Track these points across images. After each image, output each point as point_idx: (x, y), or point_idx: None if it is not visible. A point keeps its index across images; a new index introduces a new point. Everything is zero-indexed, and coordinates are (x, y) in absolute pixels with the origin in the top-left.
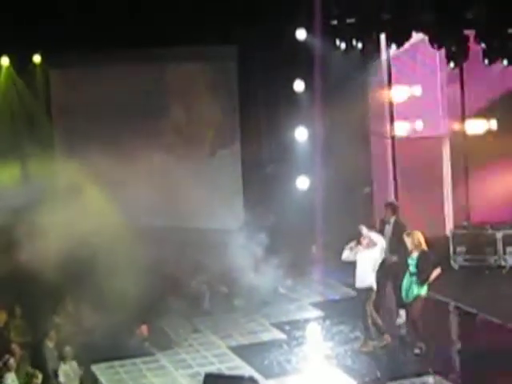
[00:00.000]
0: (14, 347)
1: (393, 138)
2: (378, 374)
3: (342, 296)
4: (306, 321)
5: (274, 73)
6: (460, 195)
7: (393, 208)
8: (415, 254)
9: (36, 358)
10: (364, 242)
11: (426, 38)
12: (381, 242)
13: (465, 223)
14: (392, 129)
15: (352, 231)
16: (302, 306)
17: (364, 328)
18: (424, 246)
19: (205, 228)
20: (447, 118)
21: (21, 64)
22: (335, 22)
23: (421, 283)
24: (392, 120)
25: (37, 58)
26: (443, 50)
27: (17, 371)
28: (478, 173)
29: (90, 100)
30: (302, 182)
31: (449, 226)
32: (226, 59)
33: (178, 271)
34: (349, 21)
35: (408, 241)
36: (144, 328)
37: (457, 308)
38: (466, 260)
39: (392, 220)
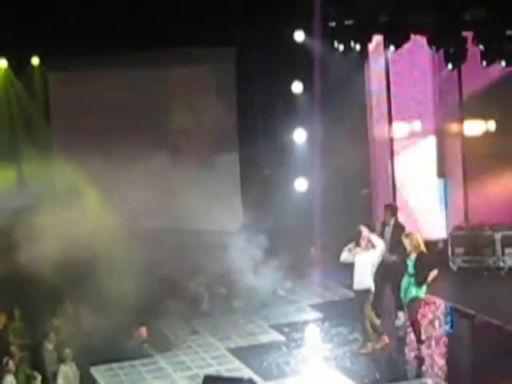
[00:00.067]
0: (13, 349)
1: (391, 139)
2: (377, 376)
3: (341, 298)
4: (305, 323)
5: (272, 74)
6: (458, 196)
7: (392, 210)
8: (413, 256)
9: (35, 360)
10: (362, 243)
11: (424, 39)
12: (381, 245)
13: (463, 224)
14: (390, 130)
15: (350, 233)
16: (301, 307)
17: (362, 330)
18: (422, 248)
19: (203, 230)
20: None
21: (19, 66)
22: (333, 24)
23: (418, 284)
24: (390, 121)
25: (35, 60)
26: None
27: (16, 373)
28: (476, 174)
29: (88, 102)
30: (301, 184)
31: (447, 227)
32: (224, 61)
33: (176, 273)
34: (347, 22)
35: (406, 242)
36: (143, 330)
37: (455, 309)
38: (464, 261)
39: (392, 222)
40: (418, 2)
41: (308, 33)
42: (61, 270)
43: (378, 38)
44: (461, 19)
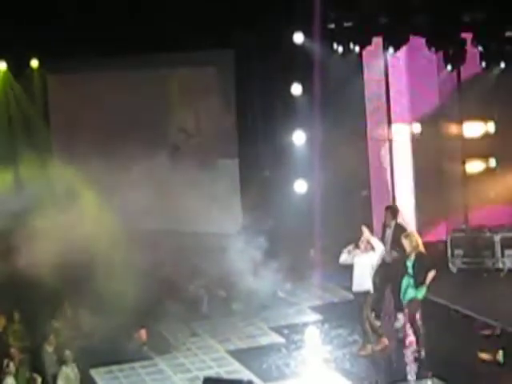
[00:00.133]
0: (13, 351)
1: (390, 140)
2: (377, 378)
3: (341, 299)
4: (305, 324)
5: (271, 76)
6: (458, 198)
7: (393, 211)
8: (413, 256)
9: (35, 363)
10: (362, 245)
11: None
12: (380, 247)
13: (463, 226)
14: (389, 131)
15: (350, 234)
16: (301, 309)
17: (362, 331)
18: (421, 248)
19: (203, 232)
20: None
21: (18, 68)
22: (332, 26)
23: (417, 285)
24: (389, 123)
25: (34, 63)
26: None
27: (16, 375)
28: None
29: (87, 104)
30: (300, 186)
31: (447, 228)
32: (223, 63)
33: (175, 275)
34: (346, 24)
35: (406, 243)
36: (142, 332)
37: (455, 311)
38: (464, 263)
39: (393, 223)
40: (417, 4)
41: (307, 35)
42: (60, 273)
43: (377, 40)
44: (459, 20)
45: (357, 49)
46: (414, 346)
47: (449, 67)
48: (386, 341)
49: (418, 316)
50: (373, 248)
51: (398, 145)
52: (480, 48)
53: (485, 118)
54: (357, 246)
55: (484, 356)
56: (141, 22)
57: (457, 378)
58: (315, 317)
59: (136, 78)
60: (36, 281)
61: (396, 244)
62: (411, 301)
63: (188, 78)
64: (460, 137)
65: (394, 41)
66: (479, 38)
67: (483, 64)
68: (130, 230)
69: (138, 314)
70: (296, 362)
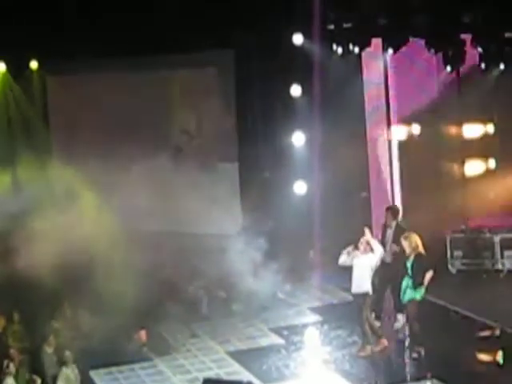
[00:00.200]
0: (13, 352)
1: (390, 141)
2: (376, 379)
3: (340, 301)
4: (305, 326)
5: (270, 77)
6: (457, 199)
7: (393, 212)
8: (412, 257)
9: (34, 364)
10: (361, 247)
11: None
12: (380, 250)
13: (462, 227)
14: (389, 132)
15: (350, 236)
16: (301, 310)
17: (362, 332)
18: (421, 249)
19: (203, 233)
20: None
21: (17, 70)
22: (332, 27)
23: (416, 286)
24: (389, 124)
25: (33, 64)
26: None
27: (16, 377)
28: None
29: (87, 106)
30: (300, 187)
31: (447, 229)
32: (223, 64)
33: (175, 276)
34: (345, 25)
35: (405, 244)
36: (142, 333)
37: (454, 312)
38: (463, 264)
39: (393, 224)
40: (417, 5)
41: (307, 36)
42: (60, 274)
43: (376, 41)
44: (459, 22)
45: (356, 50)
46: (414, 347)
47: (448, 68)
48: (385, 342)
49: (415, 317)
50: (372, 250)
51: (397, 145)
52: (479, 49)
53: (484, 119)
54: (356, 248)
55: (483, 357)
56: (141, 23)
57: (456, 379)
58: (315, 318)
59: (136, 79)
60: (35, 282)
61: (396, 245)
62: (410, 301)
63: (188, 79)
64: (459, 137)
65: (394, 42)
66: (479, 39)
67: (482, 65)
68: (130, 230)
69: (137, 315)
70: (296, 363)
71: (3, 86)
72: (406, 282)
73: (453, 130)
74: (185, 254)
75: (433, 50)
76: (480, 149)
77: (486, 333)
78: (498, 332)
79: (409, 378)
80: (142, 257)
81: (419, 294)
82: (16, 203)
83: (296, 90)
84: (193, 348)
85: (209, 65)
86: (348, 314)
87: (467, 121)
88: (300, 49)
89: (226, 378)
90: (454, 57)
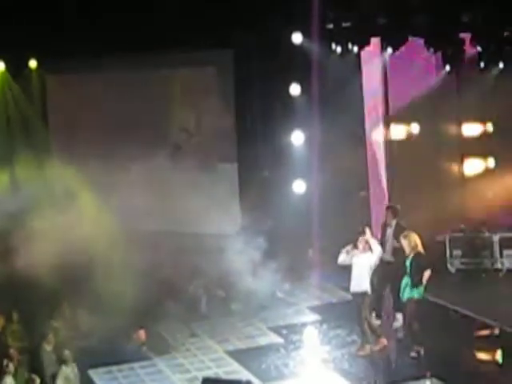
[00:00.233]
0: (12, 352)
1: (389, 140)
2: (376, 378)
3: (339, 300)
4: (304, 325)
5: (270, 77)
6: (456, 198)
7: (393, 211)
8: (411, 256)
9: (34, 363)
10: (360, 245)
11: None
12: (378, 250)
13: (461, 226)
14: (388, 131)
15: (349, 235)
16: (300, 309)
17: (361, 332)
18: (420, 248)
19: (202, 233)
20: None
21: (16, 69)
22: (331, 26)
23: (414, 285)
24: (388, 123)
25: (33, 63)
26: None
27: (15, 376)
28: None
29: (86, 105)
30: (299, 186)
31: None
32: (222, 63)
33: (175, 276)
34: (344, 25)
35: (405, 243)
36: (141, 333)
37: (454, 311)
38: (462, 263)
39: (393, 223)
40: (416, 4)
41: (306, 35)
42: (59, 273)
43: (375, 40)
44: (458, 21)
45: (355, 49)
46: (412, 346)
47: (447, 67)
48: (384, 341)
49: (414, 316)
50: (371, 249)
51: (396, 144)
52: (478, 48)
53: (483, 118)
54: (355, 247)
55: (483, 356)
56: (140, 23)
57: (455, 378)
58: (314, 317)
59: (135, 78)
60: (35, 281)
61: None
62: (409, 300)
63: (188, 78)
64: (458, 136)
65: (393, 41)
66: (478, 38)
67: (482, 64)
68: (129, 230)
69: (136, 315)
70: (294, 362)
71: (2, 85)
72: (406, 281)
73: (452, 128)
74: (184, 253)
75: (432, 49)
76: (479, 148)
77: (485, 332)
78: (497, 331)
79: (408, 377)
80: (141, 256)
81: (418, 293)
82: (15, 203)
83: (295, 89)
84: (192, 347)
85: (208, 64)
86: (347, 313)
87: (466, 120)
88: (299, 48)
89: (225, 377)
90: (453, 56)
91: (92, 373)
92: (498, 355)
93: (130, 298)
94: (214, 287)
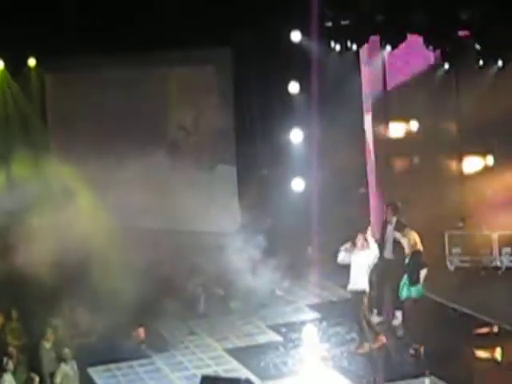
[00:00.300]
0: (12, 350)
1: (388, 138)
2: (375, 376)
3: (339, 298)
4: (303, 323)
5: (269, 75)
6: (455, 195)
7: (394, 208)
8: (410, 254)
9: (33, 362)
10: (359, 243)
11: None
12: (375, 250)
13: (460, 224)
14: (387, 129)
15: (348, 232)
16: (299, 307)
17: (359, 330)
18: (419, 247)
19: (201, 231)
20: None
21: (15, 67)
22: (330, 24)
23: (412, 284)
24: (387, 120)
25: (32, 62)
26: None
27: (14, 373)
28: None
29: (85, 104)
30: (298, 184)
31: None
32: (221, 61)
33: (173, 274)
34: (343, 22)
35: (404, 241)
36: (140, 331)
37: (453, 309)
38: (461, 261)
39: (394, 220)
40: (415, 2)
41: (305, 33)
42: (58, 271)
43: (374, 38)
44: (457, 18)
45: (354, 47)
46: (411, 344)
47: (446, 65)
48: (383, 339)
49: (412, 314)
50: (369, 246)
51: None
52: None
53: (482, 116)
54: (354, 244)
55: (481, 354)
56: (140, 21)
57: (454, 376)
58: (313, 315)
59: (134, 76)
60: (33, 279)
61: (397, 241)
62: (407, 299)
63: (186, 77)
64: (457, 134)
65: (392, 39)
66: (477, 36)
67: (481, 62)
68: (128, 228)
69: (135, 313)
70: (294, 360)
71: (1, 84)
72: (405, 279)
73: (451, 126)
74: (183, 251)
75: (431, 47)
76: (478, 145)
77: (484, 330)
78: (496, 329)
79: (407, 374)
80: (139, 254)
81: (416, 292)
82: (13, 200)
83: (294, 87)
84: (191, 345)
85: (207, 62)
86: (346, 311)
87: (465, 117)
88: (298, 46)
89: (224, 375)
90: (452, 54)
91: (91, 371)
92: (497, 353)
93: (129, 296)
94: (213, 285)
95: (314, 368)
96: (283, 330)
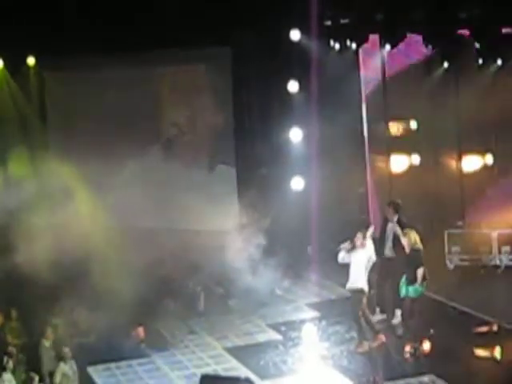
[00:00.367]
0: (11, 349)
1: (387, 136)
2: (374, 375)
3: (338, 297)
4: (302, 321)
5: (268, 74)
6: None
7: (395, 207)
8: (409, 253)
9: (32, 360)
10: (358, 242)
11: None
12: (370, 250)
13: (459, 223)
14: (386, 128)
15: (347, 231)
16: (298, 306)
17: (358, 329)
18: (418, 246)
19: (201, 230)
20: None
21: (14, 66)
22: (329, 23)
23: (410, 283)
24: (386, 119)
25: (31, 61)
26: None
27: (13, 372)
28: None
29: (84, 103)
30: (297, 183)
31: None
32: (220, 60)
33: (173, 273)
34: (343, 21)
35: (404, 240)
36: (140, 330)
37: (452, 308)
38: (461, 260)
39: (395, 219)
40: (414, 1)
41: (304, 32)
42: (58, 270)
43: (373, 37)
44: (456, 17)
45: (353, 46)
46: (411, 343)
47: (445, 64)
48: (382, 337)
49: (411, 313)
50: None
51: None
52: (476, 44)
53: (482, 115)
54: (353, 243)
55: (481, 352)
56: (140, 21)
57: (454, 375)
58: (312, 314)
59: (133, 76)
60: (33, 278)
61: (398, 240)
62: (406, 297)
63: (185, 76)
64: (457, 133)
65: (391, 38)
66: (476, 35)
67: (480, 61)
68: (128, 227)
69: (135, 312)
70: (293, 359)
71: (0, 83)
72: (404, 277)
73: (450, 125)
74: (183, 250)
75: (430, 46)
76: (477, 144)
77: (484, 328)
78: (495, 327)
79: (406, 373)
80: (139, 254)
81: (414, 291)
82: (12, 200)
83: (293, 86)
84: (190, 344)
85: (206, 62)
86: (346, 310)
87: (464, 116)
88: (297, 45)
89: (223, 374)
90: (451, 53)
91: (91, 370)
92: (496, 351)
93: (129, 295)
94: (213, 284)
95: (314, 367)
96: (283, 328)
